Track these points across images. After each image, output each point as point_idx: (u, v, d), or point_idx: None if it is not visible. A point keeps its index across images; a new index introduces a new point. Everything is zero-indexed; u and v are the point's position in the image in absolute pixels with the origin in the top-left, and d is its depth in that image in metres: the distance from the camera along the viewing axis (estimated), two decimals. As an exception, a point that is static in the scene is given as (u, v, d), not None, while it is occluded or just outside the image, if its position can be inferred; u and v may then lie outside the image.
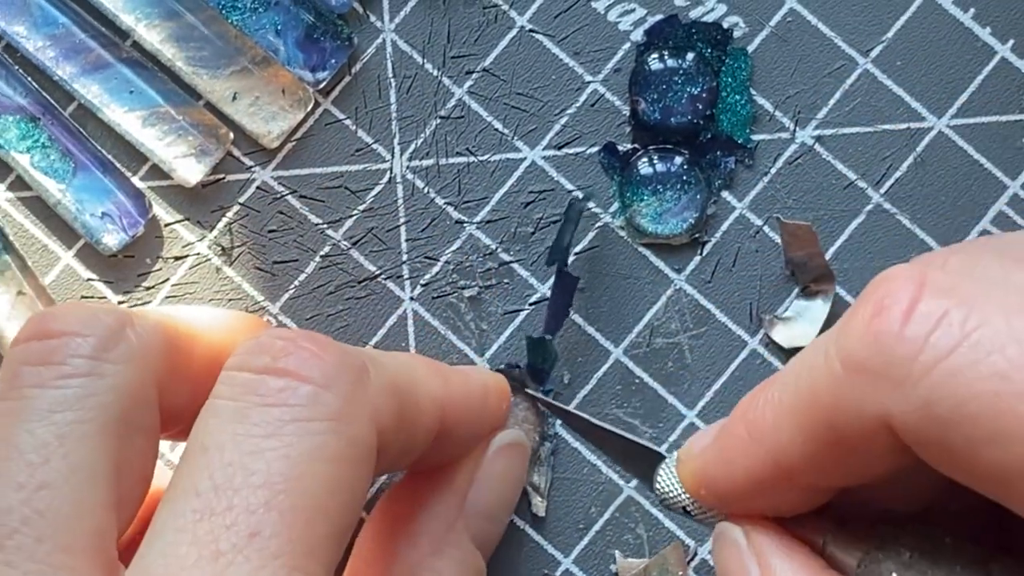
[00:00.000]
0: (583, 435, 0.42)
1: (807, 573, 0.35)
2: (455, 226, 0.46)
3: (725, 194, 0.46)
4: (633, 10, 0.46)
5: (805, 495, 0.35)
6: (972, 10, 0.46)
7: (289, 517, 0.32)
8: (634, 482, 0.45)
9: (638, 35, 0.46)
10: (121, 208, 0.46)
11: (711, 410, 0.45)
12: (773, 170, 0.46)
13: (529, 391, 0.44)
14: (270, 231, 0.46)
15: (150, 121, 0.46)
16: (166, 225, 0.46)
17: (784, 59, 0.46)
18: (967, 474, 0.31)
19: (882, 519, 0.35)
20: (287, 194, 0.46)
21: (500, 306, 0.46)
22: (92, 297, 0.46)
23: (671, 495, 0.38)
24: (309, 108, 0.46)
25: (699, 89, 0.46)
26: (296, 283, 0.46)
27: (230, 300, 0.46)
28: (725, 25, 0.46)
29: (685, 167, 0.45)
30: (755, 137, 0.46)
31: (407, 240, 0.46)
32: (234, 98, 0.46)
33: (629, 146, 0.46)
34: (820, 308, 0.45)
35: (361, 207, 0.46)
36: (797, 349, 0.45)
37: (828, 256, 0.45)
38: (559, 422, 0.45)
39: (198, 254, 0.46)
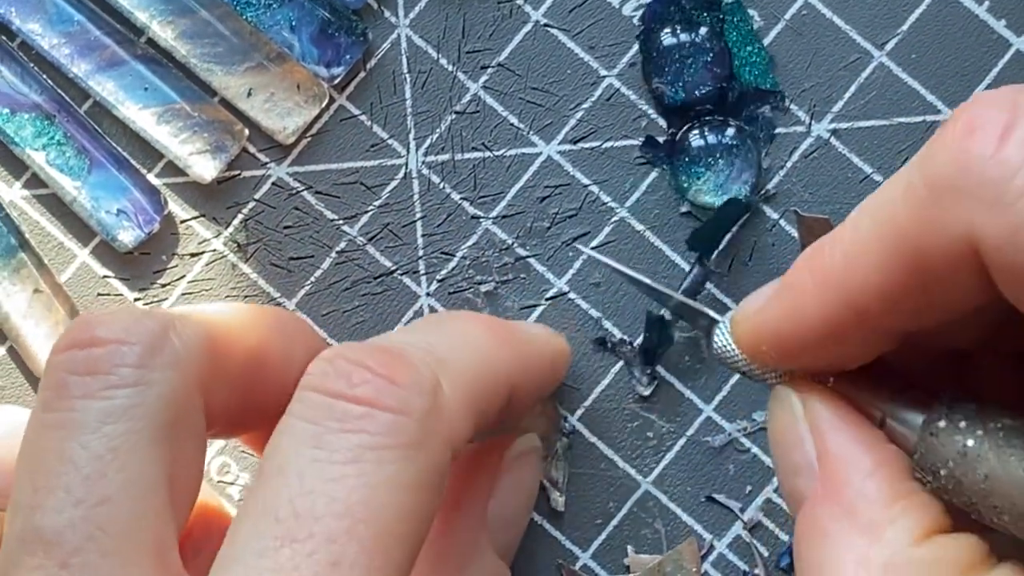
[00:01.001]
0: (646, 293, 0.42)
1: (863, 447, 0.35)
2: (471, 221, 0.46)
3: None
4: (647, 3, 0.46)
5: (874, 342, 0.34)
6: (987, 2, 0.46)
7: (369, 546, 0.32)
8: (652, 476, 0.45)
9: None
10: (137, 205, 0.46)
11: (728, 404, 0.45)
12: (789, 164, 0.46)
13: (593, 254, 0.44)
14: (286, 227, 0.46)
15: (165, 118, 0.46)
16: (182, 222, 0.46)
17: (799, 53, 0.46)
18: None
19: (941, 386, 0.35)
20: (303, 190, 0.46)
21: (517, 301, 0.46)
22: (108, 294, 0.46)
23: (728, 355, 0.38)
24: (324, 104, 0.46)
25: (710, 55, 0.46)
26: (312, 279, 0.46)
27: (246, 296, 0.46)
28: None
29: (728, 132, 0.45)
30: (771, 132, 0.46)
31: (423, 235, 0.46)
32: (249, 94, 0.46)
33: (666, 135, 0.46)
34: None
35: (377, 203, 0.46)
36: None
37: (844, 249, 0.45)
38: (575, 417, 0.45)
39: (214, 251, 0.46)
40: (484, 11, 0.46)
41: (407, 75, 0.46)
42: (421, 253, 0.46)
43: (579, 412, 0.45)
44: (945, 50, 0.46)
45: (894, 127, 0.46)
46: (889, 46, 0.46)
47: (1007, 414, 0.34)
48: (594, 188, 0.46)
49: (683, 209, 0.46)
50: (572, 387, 0.45)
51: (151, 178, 0.46)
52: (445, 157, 0.46)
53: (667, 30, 0.46)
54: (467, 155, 0.46)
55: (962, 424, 0.34)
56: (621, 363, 0.45)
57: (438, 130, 0.46)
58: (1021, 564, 0.33)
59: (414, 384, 0.35)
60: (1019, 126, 0.31)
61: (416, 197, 0.46)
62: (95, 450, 0.34)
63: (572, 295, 0.46)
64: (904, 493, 0.34)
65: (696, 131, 0.46)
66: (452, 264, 0.46)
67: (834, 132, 0.46)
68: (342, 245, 0.46)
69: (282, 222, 0.46)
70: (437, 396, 0.35)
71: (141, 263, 0.46)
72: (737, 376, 0.45)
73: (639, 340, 0.45)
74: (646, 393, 0.45)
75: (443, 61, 0.46)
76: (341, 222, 0.46)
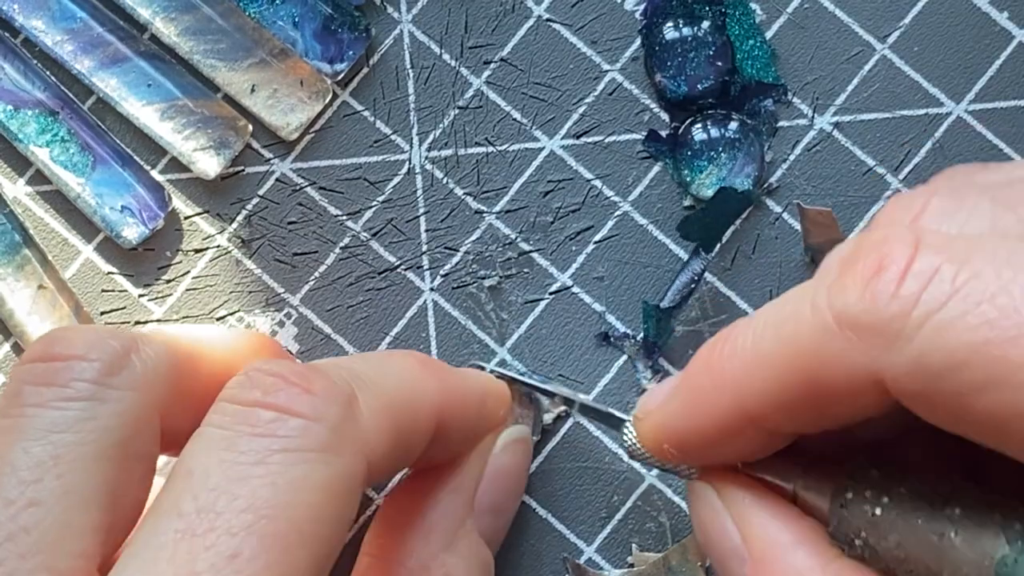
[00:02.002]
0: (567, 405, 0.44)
1: (783, 523, 0.35)
2: (474, 216, 0.46)
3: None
4: (650, -2, 0.46)
5: (771, 440, 0.35)
6: (989, -5, 0.46)
7: (270, 541, 0.32)
8: (656, 471, 0.45)
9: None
10: (141, 201, 0.46)
11: (732, 397, 0.45)
12: (792, 157, 0.46)
13: (502, 372, 0.45)
14: (290, 223, 0.46)
15: (169, 114, 0.46)
16: (186, 218, 0.46)
17: (802, 46, 0.46)
18: (961, 424, 0.31)
19: (849, 455, 0.36)
20: (306, 186, 0.46)
21: (520, 295, 0.46)
22: (112, 290, 0.46)
23: (638, 453, 0.39)
24: (327, 100, 0.46)
25: (712, 49, 0.46)
26: (316, 275, 0.46)
27: (250, 292, 0.46)
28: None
29: (731, 126, 0.45)
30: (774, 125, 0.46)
31: (427, 231, 0.46)
32: (252, 90, 0.46)
33: (669, 129, 0.46)
34: (840, 294, 0.45)
35: (380, 198, 0.46)
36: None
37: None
38: (575, 409, 0.45)
39: (218, 247, 0.46)
40: (486, 6, 0.46)
41: (410, 71, 0.46)
42: (425, 248, 0.46)
43: (583, 406, 0.45)
44: (947, 43, 0.46)
45: (896, 120, 0.46)
46: (891, 39, 0.46)
47: (913, 477, 0.34)
48: (597, 182, 0.46)
49: (686, 203, 0.46)
50: (576, 381, 0.45)
51: (155, 174, 0.46)
52: (448, 152, 0.46)
53: (669, 24, 0.46)
54: (470, 150, 0.46)
55: (868, 493, 0.34)
56: (625, 357, 0.46)
57: (441, 125, 0.46)
58: None
59: (328, 394, 0.35)
60: (918, 259, 0.32)
61: (419, 192, 0.46)
62: (36, 456, 0.34)
63: (576, 289, 0.46)
64: (832, 558, 0.35)
65: (699, 125, 0.46)
66: (456, 259, 0.46)
67: (837, 125, 0.46)
68: (346, 241, 0.46)
69: (286, 218, 0.46)
70: (352, 407, 0.35)
71: (145, 259, 0.46)
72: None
73: (642, 334, 0.45)
74: (650, 387, 0.45)
75: (446, 56, 0.46)
76: (345, 218, 0.46)
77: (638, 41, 0.46)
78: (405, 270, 0.46)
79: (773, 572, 0.35)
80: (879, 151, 0.46)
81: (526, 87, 0.46)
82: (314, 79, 0.46)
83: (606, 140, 0.46)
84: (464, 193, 0.46)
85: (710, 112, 0.46)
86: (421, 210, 0.46)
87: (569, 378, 0.45)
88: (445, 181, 0.46)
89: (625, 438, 0.39)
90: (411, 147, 0.46)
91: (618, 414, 0.41)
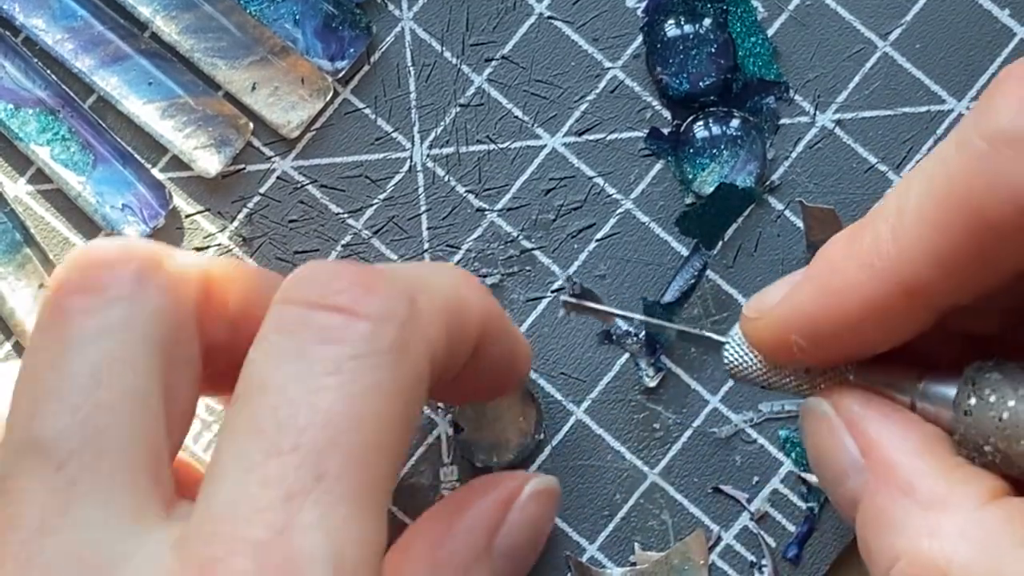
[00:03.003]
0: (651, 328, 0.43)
1: (905, 429, 0.34)
2: (476, 214, 0.46)
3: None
4: (651, -4, 0.46)
5: (912, 322, 0.34)
6: (990, -8, 0.46)
7: (354, 456, 0.32)
8: (658, 468, 0.45)
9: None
10: (141, 200, 0.46)
11: (734, 395, 0.45)
12: (794, 154, 0.46)
13: (585, 304, 0.44)
14: (291, 221, 0.46)
15: (169, 112, 0.46)
16: (187, 216, 0.46)
17: (803, 43, 0.46)
18: None
19: (965, 359, 0.35)
20: (308, 184, 0.46)
21: (522, 293, 0.46)
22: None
23: (743, 366, 0.38)
24: (328, 97, 0.46)
25: (714, 46, 0.46)
26: (317, 273, 0.46)
27: (251, 291, 0.46)
28: None
29: (732, 123, 0.45)
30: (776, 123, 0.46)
31: (428, 228, 0.46)
32: (253, 88, 0.46)
33: (671, 126, 0.46)
34: (842, 292, 0.45)
35: (382, 196, 0.46)
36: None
37: (849, 240, 0.45)
38: (581, 409, 0.45)
39: (219, 245, 0.46)
40: (488, 4, 0.46)
41: (411, 68, 0.46)
42: (427, 246, 0.46)
43: (585, 404, 0.45)
44: (949, 40, 0.46)
45: (898, 117, 0.46)
46: (893, 36, 0.46)
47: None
48: (599, 180, 0.46)
49: (688, 200, 0.46)
50: (578, 379, 0.45)
51: (156, 173, 0.46)
52: (450, 150, 0.46)
53: (671, 21, 0.46)
54: (472, 148, 0.46)
55: (992, 397, 0.34)
56: (627, 355, 0.45)
57: (442, 123, 0.46)
58: None
59: (391, 292, 0.34)
60: None
61: (421, 190, 0.46)
62: (92, 360, 0.34)
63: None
64: (958, 464, 0.34)
65: (700, 122, 0.46)
66: (457, 257, 0.46)
67: (838, 122, 0.46)
68: (347, 239, 0.46)
69: (287, 216, 0.46)
70: (415, 307, 0.34)
71: (146, 258, 0.46)
72: (743, 367, 0.45)
73: (644, 332, 0.45)
74: (652, 385, 0.45)
75: (447, 54, 0.46)
76: (346, 216, 0.46)
77: (640, 38, 0.46)
78: (407, 268, 0.46)
79: (896, 479, 0.34)
80: (881, 148, 0.46)
81: (527, 85, 0.46)
82: (315, 77, 0.46)
83: (608, 138, 0.46)
84: (466, 191, 0.46)
85: (712, 110, 0.46)
86: (423, 208, 0.46)
87: (571, 376, 0.45)
88: (447, 179, 0.46)
89: (727, 355, 0.38)
90: (412, 145, 0.46)
91: (716, 336, 0.39)
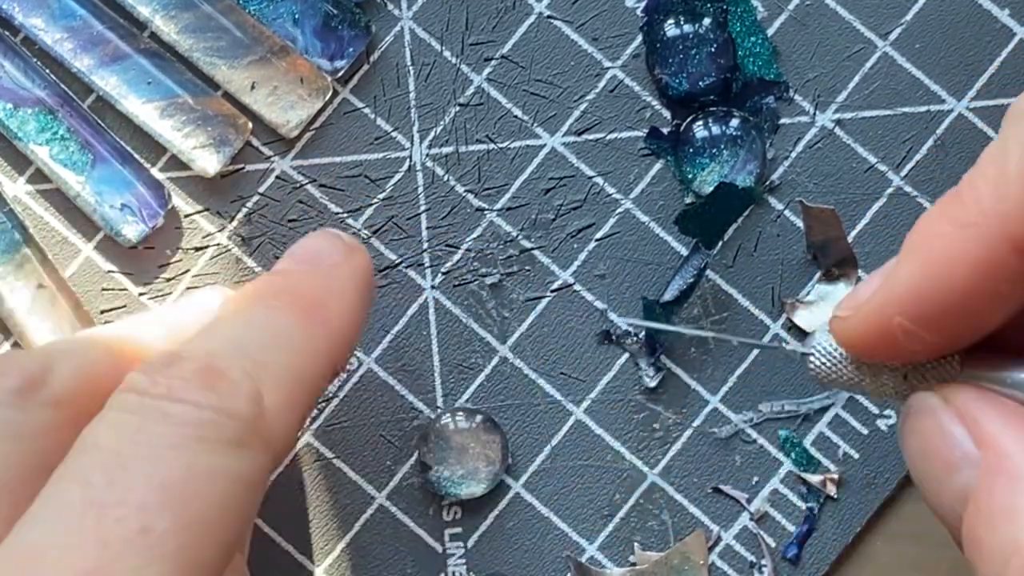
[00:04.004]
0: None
1: (1022, 423, 0.33)
2: (475, 213, 0.46)
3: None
4: (651, -5, 0.46)
5: (1021, 282, 0.33)
6: (990, -8, 0.46)
7: (184, 522, 0.32)
8: (658, 468, 0.45)
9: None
10: (140, 199, 0.45)
11: (734, 395, 0.45)
12: (794, 154, 0.46)
13: (639, 322, 0.44)
14: (290, 221, 0.46)
15: (168, 112, 0.46)
16: (186, 216, 0.46)
17: (803, 43, 0.46)
18: None
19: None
20: (307, 183, 0.46)
21: (522, 293, 0.46)
22: (112, 289, 0.46)
23: (833, 372, 0.36)
24: (328, 97, 0.46)
25: (714, 46, 0.46)
26: (317, 273, 0.46)
27: (251, 290, 0.46)
28: None
29: (732, 123, 0.45)
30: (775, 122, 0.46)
31: (428, 228, 0.46)
32: (252, 88, 0.46)
33: (670, 126, 0.46)
34: (842, 292, 0.45)
35: (381, 195, 0.46)
36: (820, 333, 0.45)
37: (849, 239, 0.45)
38: (581, 409, 0.45)
39: (218, 244, 0.46)
40: (487, 3, 0.46)
41: (410, 68, 0.46)
42: (426, 246, 0.46)
43: (585, 404, 0.45)
44: (949, 40, 0.46)
45: (898, 117, 0.46)
46: (893, 36, 0.46)
47: None
48: (599, 180, 0.46)
49: (688, 200, 0.46)
50: (578, 379, 0.45)
51: (155, 172, 0.46)
52: (449, 149, 0.46)
53: (670, 21, 0.46)
54: (471, 147, 0.46)
55: None
56: (627, 355, 0.45)
57: (442, 122, 0.46)
58: None
59: (234, 392, 0.34)
60: None
61: (420, 190, 0.46)
62: None
63: (577, 287, 0.46)
64: None
65: (700, 122, 0.46)
66: (457, 256, 0.46)
67: (838, 122, 0.46)
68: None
69: (286, 216, 0.46)
70: (258, 404, 0.35)
71: (145, 258, 0.46)
72: (744, 367, 0.45)
73: (644, 332, 0.45)
74: (652, 385, 0.45)
75: (447, 53, 0.46)
76: (345, 215, 0.46)
77: (639, 38, 0.46)
78: (406, 268, 0.46)
79: (1016, 472, 0.33)
80: (881, 148, 0.46)
81: (527, 84, 0.46)
82: (314, 76, 0.46)
83: (607, 137, 0.46)
84: (465, 190, 0.46)
85: (712, 109, 0.46)
86: (422, 207, 0.46)
87: (571, 376, 0.45)
88: (446, 178, 0.46)
89: (814, 365, 0.36)
90: (412, 144, 0.46)
91: (799, 348, 0.37)
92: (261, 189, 0.46)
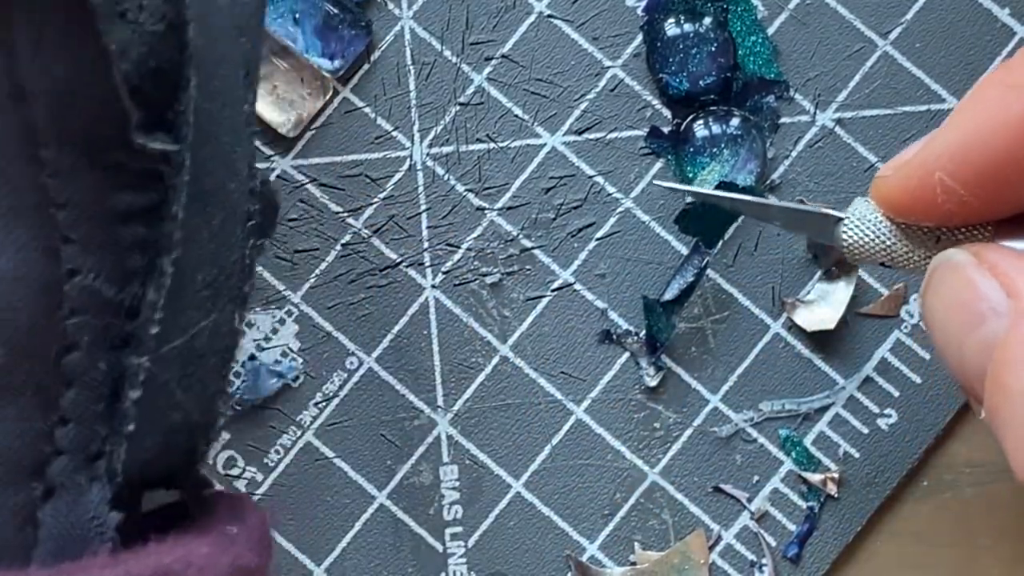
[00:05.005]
0: (755, 216, 0.43)
1: None
2: (476, 213, 0.46)
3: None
4: (651, -5, 0.46)
5: None
6: (991, -9, 0.46)
7: None
8: (659, 467, 0.45)
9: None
10: (140, 199, 0.45)
11: (735, 394, 0.45)
12: (794, 153, 0.46)
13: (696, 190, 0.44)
14: (290, 220, 0.46)
15: (168, 111, 0.46)
16: (186, 215, 0.46)
17: (803, 42, 0.46)
18: None
19: None
20: (307, 183, 0.46)
21: (522, 293, 0.46)
22: (112, 288, 0.46)
23: (864, 241, 0.36)
24: (328, 96, 0.46)
25: (714, 45, 0.46)
26: (317, 272, 0.46)
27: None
28: None
29: (732, 122, 0.45)
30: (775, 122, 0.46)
31: (428, 227, 0.46)
32: (252, 87, 0.46)
33: (671, 125, 0.46)
34: (843, 291, 0.45)
35: (381, 195, 0.46)
36: (820, 332, 0.45)
37: (850, 239, 0.45)
38: (581, 408, 0.45)
39: (218, 244, 0.46)
40: (488, 3, 0.46)
41: (411, 67, 0.46)
42: (426, 245, 0.46)
43: (585, 403, 0.45)
44: (949, 39, 0.46)
45: (899, 116, 0.46)
46: (893, 35, 0.46)
47: None
48: (599, 179, 0.46)
49: (688, 199, 0.46)
50: (578, 379, 0.45)
51: (155, 172, 0.46)
52: (449, 149, 0.46)
53: (671, 20, 0.46)
54: (471, 147, 0.46)
55: None
56: (627, 355, 0.45)
57: (442, 122, 0.46)
58: None
59: None
60: None
61: (421, 189, 0.46)
62: None
63: (578, 286, 0.46)
64: None
65: (701, 121, 0.46)
66: (457, 256, 0.46)
67: (839, 121, 0.46)
68: (347, 238, 0.46)
69: (287, 215, 0.46)
70: None
71: (145, 257, 0.46)
72: (744, 366, 0.45)
73: (644, 331, 0.45)
74: (653, 384, 0.45)
75: (447, 53, 0.46)
76: (346, 215, 0.46)
77: (639, 37, 0.46)
78: (406, 267, 0.46)
79: None
80: (881, 147, 0.46)
81: (527, 83, 0.46)
82: (314, 76, 0.46)
83: (608, 137, 0.46)
84: (465, 190, 0.46)
85: (712, 108, 0.46)
86: (422, 207, 0.46)
87: (571, 375, 0.45)
88: (446, 178, 0.46)
89: (846, 233, 0.36)
90: (412, 144, 0.46)
91: (832, 212, 0.38)
92: (261, 188, 0.46)
